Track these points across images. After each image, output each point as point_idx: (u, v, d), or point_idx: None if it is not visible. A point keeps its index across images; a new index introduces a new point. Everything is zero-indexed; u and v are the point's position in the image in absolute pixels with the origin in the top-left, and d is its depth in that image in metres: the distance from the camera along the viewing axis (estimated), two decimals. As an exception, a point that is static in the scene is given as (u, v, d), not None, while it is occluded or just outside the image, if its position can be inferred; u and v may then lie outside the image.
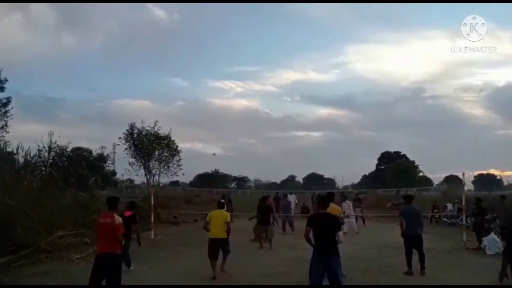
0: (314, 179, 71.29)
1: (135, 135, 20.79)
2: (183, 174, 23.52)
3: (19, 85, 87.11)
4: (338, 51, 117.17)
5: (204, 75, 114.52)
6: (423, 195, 29.36)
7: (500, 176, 66.70)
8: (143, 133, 20.82)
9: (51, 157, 19.42)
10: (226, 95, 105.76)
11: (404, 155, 52.83)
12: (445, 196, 24.42)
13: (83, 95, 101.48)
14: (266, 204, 12.55)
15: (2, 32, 64.71)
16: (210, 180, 51.27)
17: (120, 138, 20.85)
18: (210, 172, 58.95)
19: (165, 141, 21.39)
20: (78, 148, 25.76)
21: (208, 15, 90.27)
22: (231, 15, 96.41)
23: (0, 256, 8.89)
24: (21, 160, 14.64)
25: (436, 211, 19.61)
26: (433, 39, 78.33)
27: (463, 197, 12.74)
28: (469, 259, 9.95)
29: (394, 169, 46.89)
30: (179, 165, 22.21)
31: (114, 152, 25.66)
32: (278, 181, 71.42)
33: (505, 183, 65.11)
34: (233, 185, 63.73)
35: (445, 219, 19.32)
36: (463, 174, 13.60)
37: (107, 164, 26.01)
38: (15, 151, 14.70)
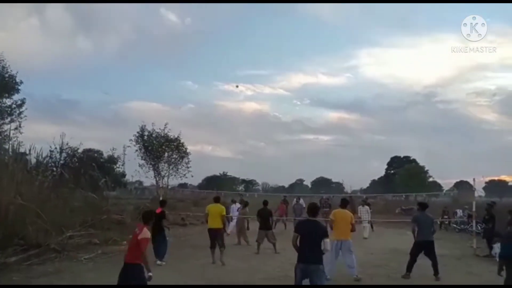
0: (322, 183, 70.95)
1: (146, 137, 20.94)
2: (192, 176, 23.71)
3: (34, 87, 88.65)
4: (350, 55, 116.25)
5: (214, 78, 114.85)
6: (432, 201, 28.99)
7: (512, 182, 65.63)
8: (153, 135, 20.97)
9: (62, 158, 19.79)
10: (236, 98, 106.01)
11: (414, 160, 52.32)
12: (455, 202, 24.12)
13: (96, 98, 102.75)
14: (265, 209, 12.57)
15: (19, 36, 66.02)
16: (218, 183, 51.39)
17: (130, 140, 21.07)
18: (218, 174, 59.16)
19: (174, 144, 21.51)
20: (89, 150, 26.08)
21: (220, 19, 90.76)
22: (243, 19, 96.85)
23: (11, 255, 9.03)
24: (33, 160, 14.86)
25: (446, 217, 19.37)
26: (445, 42, 77.34)
27: (474, 203, 12.57)
28: (480, 266, 9.79)
29: (404, 174, 46.40)
30: (187, 167, 22.34)
31: (125, 154, 25.90)
32: (286, 185, 71.22)
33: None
34: (241, 188, 63.73)
35: (454, 225, 19.08)
36: (474, 179, 13.45)
37: (117, 166, 26.26)
38: (27, 152, 14.93)
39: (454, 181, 58.09)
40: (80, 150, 21.33)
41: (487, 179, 56.83)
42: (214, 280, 7.84)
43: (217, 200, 10.11)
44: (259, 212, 12.36)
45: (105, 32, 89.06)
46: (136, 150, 20.91)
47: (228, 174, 60.44)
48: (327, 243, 5.39)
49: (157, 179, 21.15)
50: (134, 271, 5.34)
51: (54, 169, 18.11)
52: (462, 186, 46.35)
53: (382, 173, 58.45)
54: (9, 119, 23.01)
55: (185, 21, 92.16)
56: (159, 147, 20.81)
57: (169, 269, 8.99)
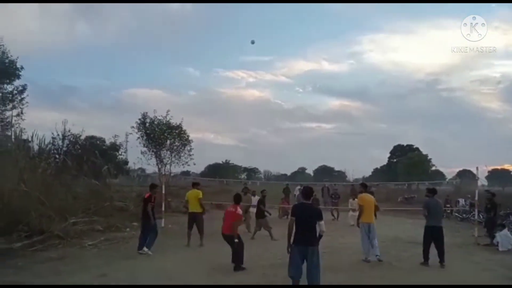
0: (324, 172, 70.92)
1: (147, 124, 20.89)
2: (194, 164, 23.50)
3: (34, 73, 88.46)
4: (352, 41, 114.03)
5: (216, 65, 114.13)
6: (435, 190, 28.94)
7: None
8: (155, 122, 20.91)
9: (65, 145, 19.80)
10: (237, 85, 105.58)
11: (417, 148, 52.02)
12: (458, 191, 24.11)
13: (97, 84, 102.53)
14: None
15: (18, 22, 65.53)
16: (221, 171, 51.52)
17: (132, 127, 20.99)
18: (221, 162, 59.23)
19: (176, 131, 21.44)
20: (92, 137, 26.06)
21: (220, 5, 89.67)
22: (244, 5, 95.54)
23: (16, 241, 9.15)
24: (36, 147, 14.90)
25: (448, 205, 19.40)
26: (450, 28, 76.10)
27: (476, 192, 12.55)
28: (481, 255, 9.82)
29: (407, 162, 46.23)
30: (190, 155, 22.26)
31: (127, 141, 25.93)
32: (289, 173, 71.39)
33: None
34: (243, 176, 63.90)
35: (456, 214, 19.13)
36: (477, 168, 13.35)
37: (120, 153, 26.32)
38: (30, 139, 14.96)
39: (457, 170, 58.16)
40: (82, 137, 21.30)
41: (490, 168, 56.65)
42: (218, 268, 7.88)
43: (195, 185, 10.77)
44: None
45: (105, 18, 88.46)
46: (138, 138, 20.87)
47: (230, 162, 60.56)
48: (322, 225, 5.70)
49: (159, 166, 21.10)
50: (232, 239, 7.55)
51: (57, 156, 18.17)
52: (465, 175, 46.28)
53: (385, 161, 58.34)
54: (10, 105, 22.85)
55: (186, 7, 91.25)
56: (161, 135, 20.73)
57: (174, 255, 9.06)
